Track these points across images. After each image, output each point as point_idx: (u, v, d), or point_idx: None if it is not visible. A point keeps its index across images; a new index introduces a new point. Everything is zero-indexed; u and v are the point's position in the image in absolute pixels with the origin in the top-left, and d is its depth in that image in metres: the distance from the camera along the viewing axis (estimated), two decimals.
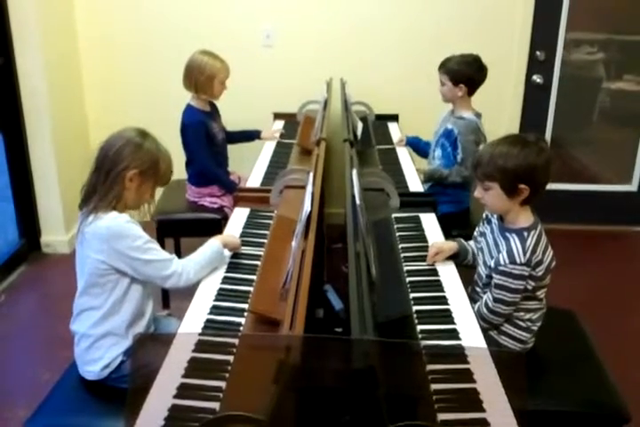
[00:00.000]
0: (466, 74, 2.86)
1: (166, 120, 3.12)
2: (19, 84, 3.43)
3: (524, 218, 1.96)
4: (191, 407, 1.41)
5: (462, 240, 2.20)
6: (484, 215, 2.14)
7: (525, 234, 1.91)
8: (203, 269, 1.98)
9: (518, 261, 1.87)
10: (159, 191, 2.86)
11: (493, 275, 1.93)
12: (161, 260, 1.88)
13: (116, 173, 1.83)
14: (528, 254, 1.88)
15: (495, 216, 2.06)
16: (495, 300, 1.93)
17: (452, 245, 2.16)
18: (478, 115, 2.93)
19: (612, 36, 3.92)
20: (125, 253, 1.81)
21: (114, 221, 1.81)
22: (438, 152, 3.01)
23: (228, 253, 2.10)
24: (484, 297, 1.98)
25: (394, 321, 1.67)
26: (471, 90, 2.90)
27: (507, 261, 1.89)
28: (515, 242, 1.90)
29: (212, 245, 2.04)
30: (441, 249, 2.15)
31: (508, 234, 1.95)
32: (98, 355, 1.86)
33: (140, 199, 1.92)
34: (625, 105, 4.06)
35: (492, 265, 1.94)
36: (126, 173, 1.83)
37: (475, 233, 2.18)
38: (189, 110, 3.08)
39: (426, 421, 1.30)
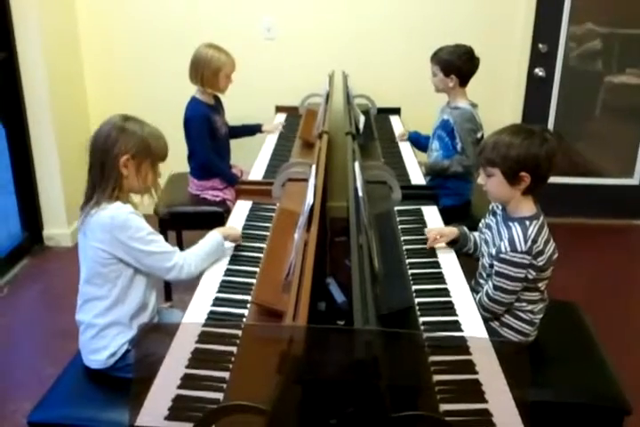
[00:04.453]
0: (456, 65, 2.86)
1: (169, 112, 3.12)
2: (20, 77, 3.43)
3: (527, 208, 1.97)
4: (195, 398, 1.42)
5: (465, 227, 2.20)
6: (490, 207, 2.14)
7: (527, 223, 1.93)
8: (204, 261, 1.98)
9: (519, 248, 1.88)
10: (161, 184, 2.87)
11: (494, 262, 1.94)
12: (163, 252, 1.88)
13: (110, 165, 1.83)
14: (529, 243, 1.88)
15: (500, 207, 2.07)
16: (495, 288, 1.94)
17: (452, 229, 2.18)
18: (474, 105, 2.93)
19: (615, 30, 3.90)
20: (128, 243, 1.82)
21: (117, 212, 1.82)
22: (436, 144, 3.02)
23: (229, 245, 2.11)
24: (485, 286, 1.99)
25: (396, 313, 1.68)
26: (462, 81, 2.90)
27: (508, 248, 1.90)
28: (516, 230, 1.91)
29: (213, 237, 2.04)
30: (441, 233, 2.16)
31: (510, 223, 1.96)
32: (103, 344, 1.87)
33: (144, 182, 1.90)
34: (627, 98, 4.05)
35: (494, 253, 1.95)
36: (118, 160, 1.82)
37: (480, 225, 2.18)
38: (193, 103, 3.08)
39: (428, 411, 1.31)
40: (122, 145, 1.82)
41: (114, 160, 1.82)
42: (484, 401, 1.44)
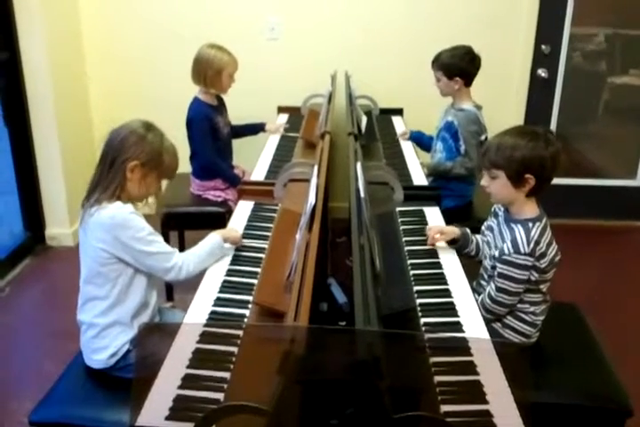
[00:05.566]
0: (459, 67, 2.86)
1: (171, 113, 3.11)
2: (24, 78, 3.44)
3: (530, 209, 1.97)
4: (196, 398, 1.42)
5: (467, 229, 2.20)
6: (492, 209, 2.14)
7: (530, 225, 1.92)
8: (203, 262, 1.98)
9: (522, 250, 1.88)
10: (163, 184, 2.88)
11: (497, 264, 1.94)
12: (163, 252, 1.89)
13: (118, 164, 1.84)
14: (532, 245, 1.88)
15: (502, 209, 2.06)
16: (498, 289, 1.93)
17: (453, 228, 2.17)
18: (478, 106, 2.93)
19: (618, 31, 3.90)
20: (128, 243, 1.82)
21: (118, 211, 1.82)
22: (439, 145, 3.02)
23: (229, 246, 2.10)
24: (487, 288, 1.99)
25: (398, 314, 1.68)
26: (467, 81, 2.90)
27: (511, 250, 1.89)
28: (519, 232, 1.91)
29: (213, 239, 2.04)
30: (442, 231, 2.16)
31: (513, 224, 1.96)
32: (104, 344, 1.87)
33: (145, 192, 1.92)
34: (630, 99, 4.05)
35: (497, 255, 1.95)
36: (127, 164, 1.84)
37: (482, 227, 2.18)
38: (196, 104, 3.08)
39: (429, 412, 1.31)
40: (136, 151, 1.84)
41: (123, 162, 1.84)
42: (485, 402, 1.44)
